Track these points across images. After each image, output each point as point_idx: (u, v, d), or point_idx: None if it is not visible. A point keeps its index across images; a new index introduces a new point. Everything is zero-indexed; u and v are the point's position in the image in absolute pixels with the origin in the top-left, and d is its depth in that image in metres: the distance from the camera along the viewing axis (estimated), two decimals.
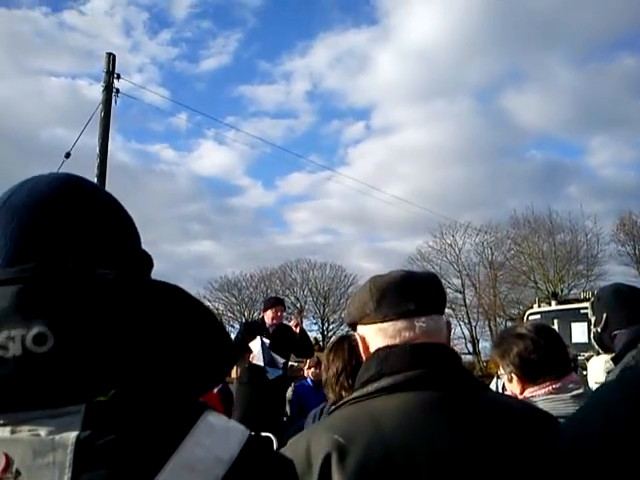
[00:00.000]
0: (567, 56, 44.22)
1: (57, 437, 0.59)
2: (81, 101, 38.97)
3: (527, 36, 40.58)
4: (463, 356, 25.72)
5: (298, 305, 35.65)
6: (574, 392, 1.86)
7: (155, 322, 0.66)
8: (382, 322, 1.24)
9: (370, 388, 1.17)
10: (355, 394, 1.20)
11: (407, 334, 1.21)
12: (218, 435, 0.65)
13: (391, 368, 1.17)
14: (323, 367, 2.52)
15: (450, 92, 45.38)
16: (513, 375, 1.92)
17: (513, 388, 1.93)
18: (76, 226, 0.72)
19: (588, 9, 38.72)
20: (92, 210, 0.74)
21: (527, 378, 1.89)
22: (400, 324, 1.22)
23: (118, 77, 11.67)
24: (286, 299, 34.87)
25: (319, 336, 34.63)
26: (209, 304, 34.19)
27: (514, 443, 1.11)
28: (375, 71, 46.18)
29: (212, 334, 0.70)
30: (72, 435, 0.59)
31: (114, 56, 11.74)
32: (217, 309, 34.99)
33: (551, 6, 39.92)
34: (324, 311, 35.71)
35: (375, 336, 1.25)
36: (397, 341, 1.22)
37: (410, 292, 1.24)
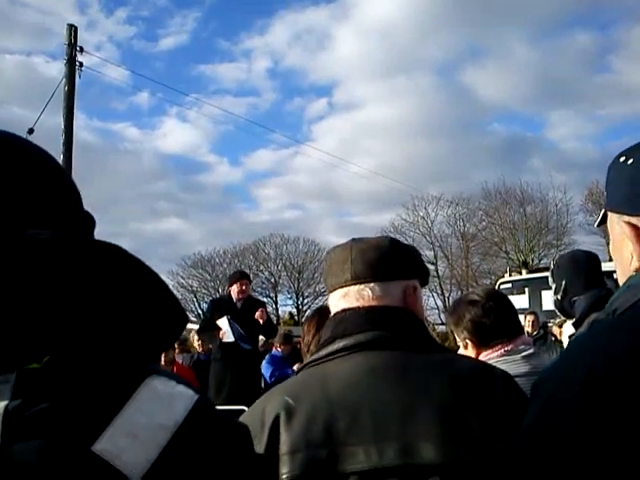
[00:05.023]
0: (524, 32, 44.36)
1: None
2: (38, 79, 37.92)
3: (485, 12, 40.64)
4: (436, 327, 26.03)
5: (272, 280, 35.72)
6: (524, 353, 1.92)
7: (93, 283, 0.62)
8: (330, 292, 1.30)
9: (323, 352, 1.21)
10: (311, 358, 1.24)
11: (342, 303, 1.25)
12: (162, 400, 0.62)
13: (344, 331, 1.20)
14: (301, 338, 2.55)
15: (411, 68, 45.52)
16: (467, 341, 1.96)
17: (469, 354, 1.95)
18: (4, 183, 0.65)
19: None
20: (23, 166, 0.68)
21: (481, 342, 1.94)
22: (338, 293, 1.27)
23: (81, 50, 11.02)
24: (260, 274, 35.00)
25: (294, 310, 34.79)
26: (183, 281, 34.12)
27: (463, 401, 1.11)
28: (335, 48, 46.04)
29: (156, 296, 0.66)
30: (0, 405, 0.55)
31: (76, 28, 11.05)
32: (191, 286, 34.90)
33: None
34: (298, 285, 35.78)
35: (331, 304, 1.30)
36: (338, 310, 1.26)
37: (349, 262, 1.26)
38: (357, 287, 1.24)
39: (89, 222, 0.75)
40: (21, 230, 0.62)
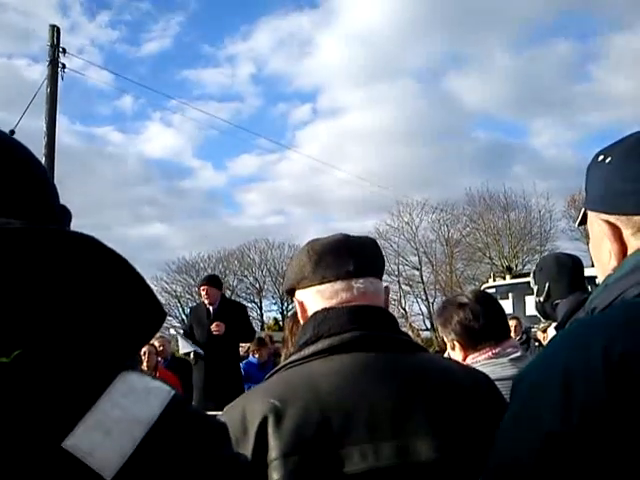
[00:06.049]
0: (505, 40, 44.56)
1: None
2: (19, 82, 37.22)
3: (467, 20, 41.18)
4: (421, 332, 26.12)
5: (257, 285, 35.62)
6: (512, 356, 1.92)
7: (67, 275, 0.60)
8: (319, 284, 1.22)
9: (307, 351, 1.16)
10: (292, 358, 1.18)
11: (344, 295, 1.20)
12: (137, 395, 0.59)
13: (328, 330, 1.16)
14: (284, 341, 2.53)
15: (394, 74, 45.44)
16: (455, 343, 1.96)
17: (455, 355, 1.96)
18: None
19: None
20: None
21: (468, 345, 1.94)
22: (337, 285, 1.21)
23: (64, 52, 10.85)
24: (244, 280, 35.01)
25: (279, 316, 34.68)
26: (167, 286, 33.91)
27: (452, 400, 1.11)
28: (319, 55, 45.97)
29: (132, 289, 0.63)
30: None
31: (58, 29, 10.87)
32: (175, 291, 34.68)
33: None
34: (283, 291, 35.69)
35: (313, 299, 1.23)
36: (334, 302, 1.20)
37: (348, 254, 1.23)
38: (361, 280, 1.21)
39: (65, 215, 0.74)
40: None
